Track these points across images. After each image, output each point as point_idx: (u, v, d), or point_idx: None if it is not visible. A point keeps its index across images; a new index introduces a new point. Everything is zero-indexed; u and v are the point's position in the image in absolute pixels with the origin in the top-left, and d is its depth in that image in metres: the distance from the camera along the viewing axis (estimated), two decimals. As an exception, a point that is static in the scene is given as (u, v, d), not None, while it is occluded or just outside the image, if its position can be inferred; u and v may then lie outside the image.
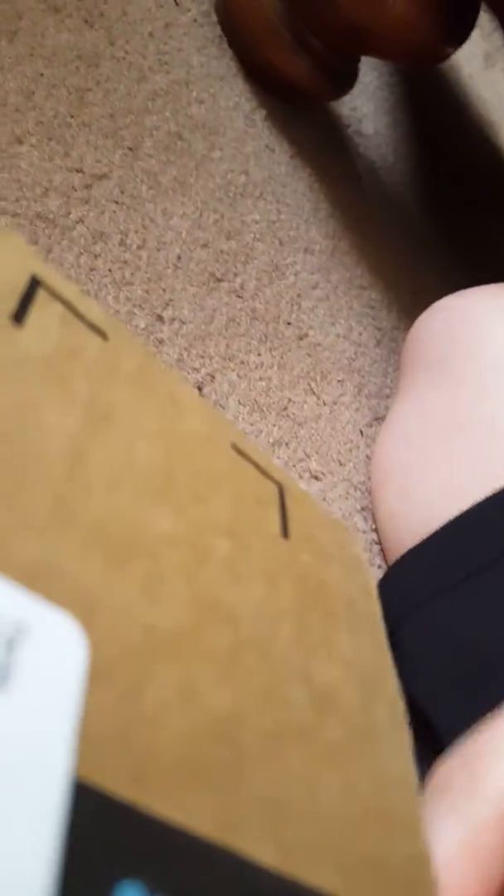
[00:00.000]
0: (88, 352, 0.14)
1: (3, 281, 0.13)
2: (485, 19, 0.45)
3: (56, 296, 0.14)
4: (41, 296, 0.14)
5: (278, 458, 0.36)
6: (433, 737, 0.29)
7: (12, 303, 0.13)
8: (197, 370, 0.35)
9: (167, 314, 0.36)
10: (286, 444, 0.37)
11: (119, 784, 0.09)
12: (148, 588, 0.12)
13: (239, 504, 0.16)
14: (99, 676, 0.10)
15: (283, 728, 0.12)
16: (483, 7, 0.41)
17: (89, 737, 0.09)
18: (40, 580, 0.10)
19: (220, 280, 0.39)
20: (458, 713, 0.28)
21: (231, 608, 0.13)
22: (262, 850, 0.10)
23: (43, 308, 0.14)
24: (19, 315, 0.13)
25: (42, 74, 0.38)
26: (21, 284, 0.14)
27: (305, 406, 0.39)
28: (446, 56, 0.43)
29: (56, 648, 0.09)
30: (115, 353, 0.15)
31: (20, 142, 0.35)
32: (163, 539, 0.13)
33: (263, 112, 0.47)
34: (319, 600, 0.16)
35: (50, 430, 0.12)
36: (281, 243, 0.44)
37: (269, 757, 0.12)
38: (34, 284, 0.14)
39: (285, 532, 0.16)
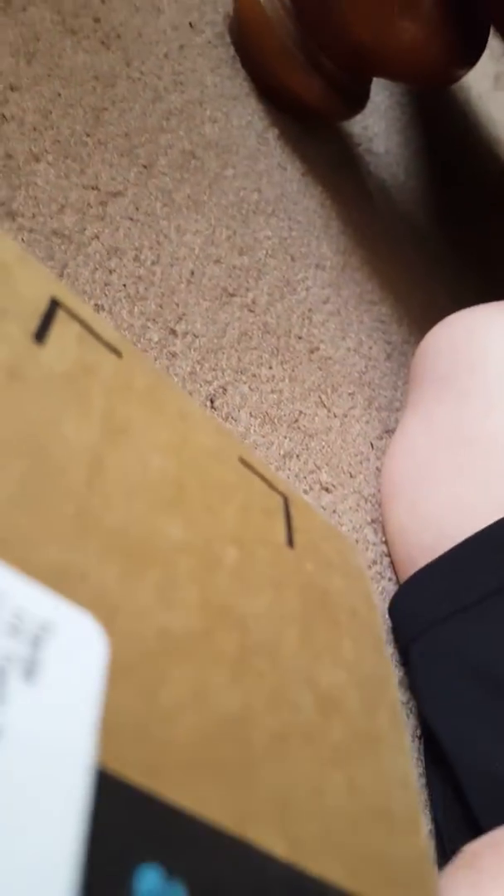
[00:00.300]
0: (104, 369, 0.15)
1: (25, 303, 0.14)
2: (494, 42, 0.46)
3: (74, 316, 0.15)
4: (60, 316, 0.15)
5: (289, 469, 0.37)
6: (438, 751, 0.30)
7: (34, 323, 0.14)
8: (209, 383, 0.36)
9: (180, 328, 0.37)
10: (297, 455, 0.38)
11: (138, 774, 0.10)
12: (163, 593, 0.12)
13: (246, 514, 0.16)
14: (119, 674, 0.10)
15: (290, 729, 0.13)
16: (493, 31, 0.42)
17: (110, 729, 0.10)
18: (64, 583, 0.11)
19: (232, 295, 0.40)
20: (465, 732, 0.29)
21: (240, 614, 0.14)
22: (273, 842, 0.11)
23: (62, 328, 0.14)
24: (41, 334, 0.14)
25: (59, 94, 0.39)
26: (42, 306, 0.14)
27: (316, 418, 0.40)
28: (457, 79, 0.43)
29: (79, 646, 0.10)
30: (129, 370, 0.16)
31: (37, 160, 0.36)
32: (176, 547, 0.13)
33: (276, 131, 0.48)
34: (323, 608, 0.16)
35: (70, 443, 0.13)
36: (293, 259, 0.45)
37: (278, 756, 0.12)
38: (54, 305, 0.15)
39: (290, 542, 0.17)
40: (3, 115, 0.35)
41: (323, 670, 0.15)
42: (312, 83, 0.44)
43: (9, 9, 0.39)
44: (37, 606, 0.10)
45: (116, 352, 0.16)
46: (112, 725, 0.10)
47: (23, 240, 0.33)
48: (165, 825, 0.09)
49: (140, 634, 0.11)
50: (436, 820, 0.29)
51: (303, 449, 0.38)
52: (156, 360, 0.35)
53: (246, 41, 0.46)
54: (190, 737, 0.11)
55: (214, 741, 0.11)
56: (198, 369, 0.36)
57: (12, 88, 0.37)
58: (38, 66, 0.38)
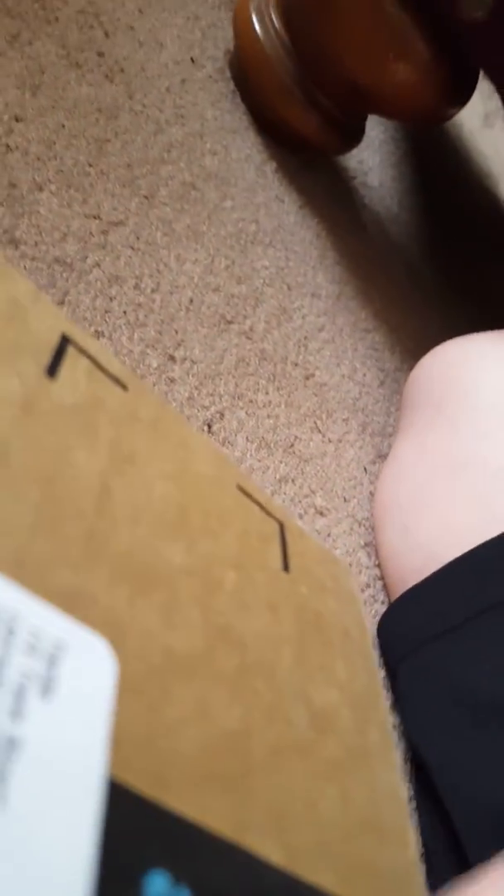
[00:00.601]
0: (112, 401, 0.16)
1: (38, 339, 0.15)
2: (484, 83, 0.47)
3: (83, 351, 0.16)
4: (70, 352, 0.16)
5: (284, 493, 0.38)
6: (423, 771, 0.30)
7: (46, 358, 0.15)
8: (207, 408, 0.37)
9: (179, 354, 0.37)
10: (292, 480, 0.38)
11: (146, 785, 0.10)
12: (167, 614, 0.13)
13: (245, 539, 0.17)
14: (127, 691, 0.11)
15: (286, 744, 0.14)
16: (482, 73, 0.43)
17: (120, 743, 0.10)
18: (76, 605, 0.11)
19: (230, 322, 0.41)
20: (449, 753, 0.29)
21: (239, 634, 0.14)
22: (271, 850, 0.12)
23: (72, 362, 0.15)
24: (52, 369, 0.15)
25: (63, 125, 0.40)
26: (53, 341, 0.15)
27: (311, 443, 0.41)
28: (448, 117, 0.45)
29: (91, 665, 0.11)
30: (135, 402, 0.17)
31: (41, 189, 0.37)
32: (179, 570, 0.14)
33: (274, 164, 0.50)
34: (317, 629, 0.17)
35: (80, 471, 0.14)
36: (289, 288, 0.46)
37: (275, 769, 0.13)
38: (64, 341, 0.16)
39: (286, 566, 0.18)
40: (8, 146, 0.36)
41: (316, 689, 0.16)
42: (310, 119, 0.45)
43: (15, 42, 0.40)
44: (52, 627, 0.11)
45: (123, 385, 0.16)
46: (122, 739, 0.11)
47: (25, 267, 0.34)
48: (172, 833, 0.10)
49: (147, 654, 0.12)
50: (425, 843, 0.29)
51: (298, 473, 0.39)
52: (154, 385, 0.36)
53: (246, 77, 0.47)
54: (193, 750, 0.12)
55: (216, 755, 0.12)
56: (196, 394, 0.37)
57: (17, 119, 0.38)
58: (43, 97, 0.39)
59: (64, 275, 0.35)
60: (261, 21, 0.45)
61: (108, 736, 0.10)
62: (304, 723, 0.15)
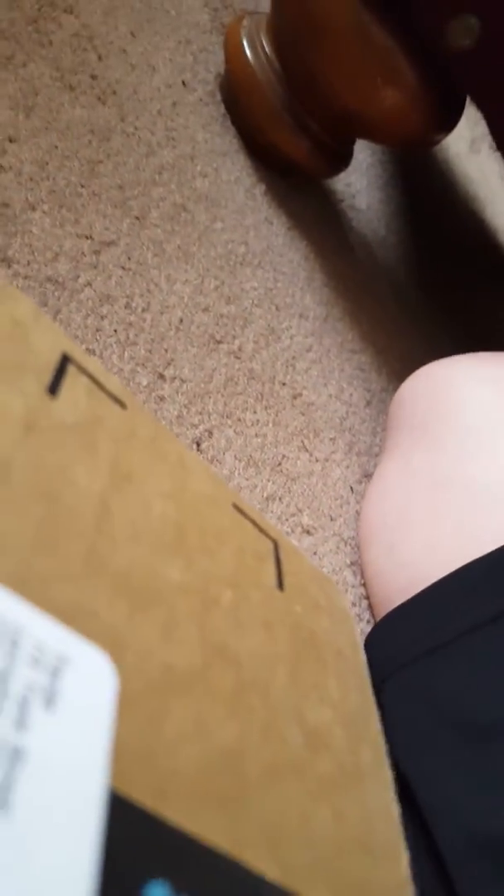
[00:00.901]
0: (111, 420, 0.16)
1: (40, 358, 0.15)
2: (471, 109, 0.48)
3: (83, 370, 0.16)
4: (71, 371, 0.16)
5: (272, 512, 0.38)
6: (408, 789, 0.30)
7: (48, 377, 0.15)
8: (196, 426, 0.37)
9: (168, 373, 0.38)
10: (279, 498, 0.39)
11: (146, 797, 0.10)
12: (165, 631, 0.13)
13: (240, 558, 0.17)
14: (127, 706, 0.11)
15: (280, 762, 0.14)
16: (469, 99, 0.44)
17: (120, 756, 0.10)
18: (78, 620, 0.11)
19: (219, 342, 0.41)
20: (433, 773, 0.29)
21: (235, 652, 0.15)
22: (266, 866, 0.12)
23: (73, 381, 0.16)
24: (54, 387, 0.15)
25: (56, 147, 0.40)
26: (54, 360, 0.15)
27: (298, 462, 0.41)
28: (435, 143, 0.46)
29: (93, 678, 0.11)
30: (133, 420, 0.17)
31: (33, 209, 0.37)
32: (177, 588, 0.14)
33: (263, 186, 0.50)
34: (311, 648, 0.17)
35: (80, 489, 0.14)
36: (277, 309, 0.46)
37: (270, 786, 0.13)
38: (65, 361, 0.16)
39: (280, 584, 0.18)
40: (2, 166, 0.37)
41: (310, 707, 0.16)
42: (299, 143, 0.46)
43: (9, 64, 0.40)
44: (55, 641, 0.11)
45: (122, 403, 0.17)
46: (122, 752, 0.11)
47: (18, 286, 0.34)
48: (172, 845, 0.10)
49: (146, 669, 0.12)
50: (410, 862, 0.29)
51: (285, 492, 0.39)
52: (144, 403, 0.36)
53: (236, 101, 0.48)
54: (191, 766, 0.12)
55: (213, 771, 0.12)
56: (185, 413, 0.37)
57: (11, 140, 0.38)
58: (37, 119, 0.40)
59: (56, 294, 0.35)
60: (251, 46, 0.46)
61: (109, 748, 0.10)
62: (298, 741, 0.15)
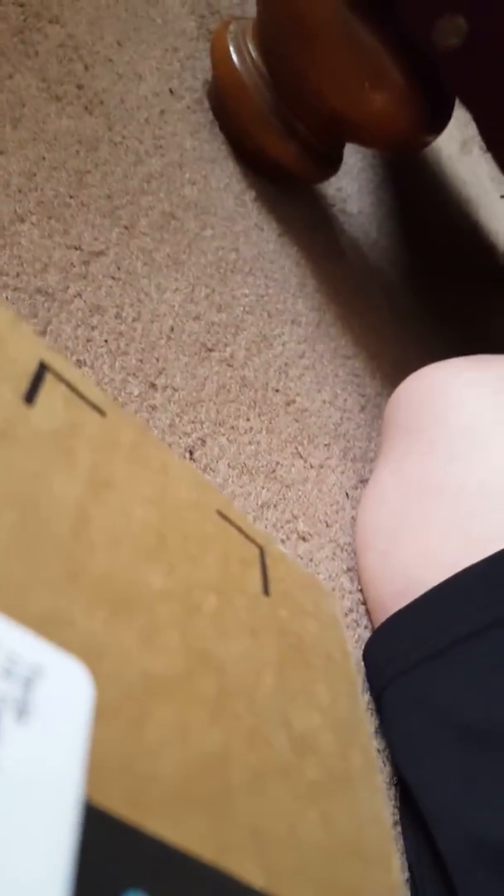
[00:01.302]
0: (89, 427, 0.16)
1: (16, 366, 0.15)
2: (461, 110, 0.48)
3: (61, 378, 0.16)
4: (48, 378, 0.16)
5: (267, 519, 0.38)
6: (409, 794, 0.30)
7: (24, 385, 0.15)
8: (188, 435, 0.37)
9: (160, 382, 0.38)
10: (274, 505, 0.38)
11: (123, 807, 0.10)
12: (146, 638, 0.13)
13: (224, 564, 0.17)
14: (104, 714, 0.11)
15: (267, 767, 0.14)
16: (458, 101, 0.44)
17: (97, 766, 0.10)
18: (53, 629, 0.11)
19: (210, 350, 0.41)
20: (434, 779, 0.29)
21: (219, 658, 0.14)
22: (251, 873, 0.12)
23: (50, 389, 0.15)
24: (30, 396, 0.15)
25: (44, 157, 0.40)
26: (31, 368, 0.15)
27: (293, 469, 0.41)
28: (425, 145, 0.46)
29: (67, 688, 0.11)
30: (113, 428, 0.17)
31: (22, 220, 0.37)
32: (158, 594, 0.14)
33: (253, 193, 0.50)
34: (298, 653, 0.17)
35: (57, 496, 0.14)
36: (269, 315, 0.46)
37: (255, 792, 0.13)
38: (42, 368, 0.16)
39: (266, 590, 0.18)
40: (-9, 177, 0.37)
41: (298, 712, 0.16)
42: (288, 148, 0.46)
43: (-4, 77, 0.40)
44: (28, 651, 0.11)
45: (101, 411, 0.17)
46: (99, 762, 0.11)
47: (7, 298, 0.34)
48: (150, 855, 0.10)
49: (125, 677, 0.12)
50: (410, 865, 0.29)
51: (280, 499, 0.39)
52: (136, 412, 0.36)
53: (224, 107, 0.48)
54: (172, 773, 0.12)
55: (195, 777, 0.12)
56: (177, 422, 0.37)
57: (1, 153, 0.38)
58: (24, 130, 0.40)
59: (45, 305, 0.35)
60: (238, 51, 0.46)
61: (84, 759, 0.10)
62: (286, 746, 0.15)
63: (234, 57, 0.46)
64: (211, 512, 0.18)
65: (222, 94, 0.47)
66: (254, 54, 0.45)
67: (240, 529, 0.19)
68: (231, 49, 0.46)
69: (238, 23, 0.48)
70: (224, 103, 0.48)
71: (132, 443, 0.17)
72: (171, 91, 0.49)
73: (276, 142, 0.46)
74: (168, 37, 0.51)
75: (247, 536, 0.19)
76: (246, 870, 0.12)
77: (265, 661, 0.16)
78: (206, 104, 0.51)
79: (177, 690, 0.13)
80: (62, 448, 0.15)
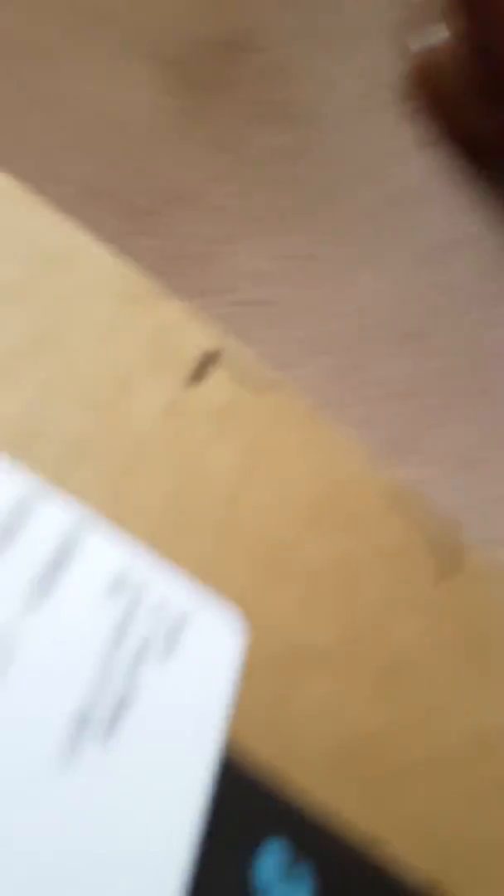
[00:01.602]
0: (255, 405, 0.16)
1: (184, 351, 0.16)
2: None
3: (229, 359, 0.16)
4: (217, 360, 0.16)
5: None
6: None
7: (192, 366, 0.15)
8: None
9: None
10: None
11: (270, 763, 0.10)
12: (305, 605, 0.13)
13: (395, 544, 0.16)
14: (256, 674, 0.11)
15: (437, 757, 0.13)
16: None
17: (244, 724, 0.10)
18: (212, 576, 0.12)
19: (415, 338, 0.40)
20: None
21: (385, 635, 0.14)
22: (410, 856, 0.11)
23: (217, 372, 0.16)
24: (197, 377, 0.15)
25: (253, 176, 0.42)
26: (199, 354, 0.16)
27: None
28: None
29: (220, 634, 0.11)
30: (279, 406, 0.17)
31: (235, 240, 0.39)
32: (319, 564, 0.14)
33: (464, 177, 0.48)
34: (483, 647, 0.16)
35: (218, 465, 0.14)
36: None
37: (420, 779, 0.12)
38: (211, 354, 0.16)
39: (448, 576, 0.17)
40: (210, 203, 0.39)
41: (479, 707, 0.15)
42: (496, 127, 0.44)
43: (202, 109, 0.43)
44: (183, 592, 0.11)
45: (268, 391, 0.17)
46: (246, 721, 0.11)
47: (231, 313, 0.36)
48: (297, 812, 0.10)
49: (282, 640, 0.12)
50: None
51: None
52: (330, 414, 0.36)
53: (425, 93, 0.47)
54: (323, 745, 0.11)
55: (347, 755, 0.12)
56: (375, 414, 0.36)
57: (213, 180, 0.40)
58: (230, 153, 0.42)
59: (262, 312, 0.36)
60: (435, 33, 0.45)
61: (228, 708, 0.10)
62: (462, 740, 0.14)
63: (432, 40, 0.44)
64: (380, 492, 0.17)
65: (420, 81, 0.47)
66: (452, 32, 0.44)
67: (417, 514, 0.18)
68: (427, 32, 0.45)
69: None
70: (424, 90, 0.47)
71: (299, 418, 0.17)
72: (370, 89, 0.49)
73: (483, 121, 0.44)
74: (362, 39, 0.51)
75: (424, 521, 0.18)
76: (404, 852, 0.11)
77: (443, 646, 0.15)
78: (406, 96, 0.50)
79: (334, 663, 0.13)
80: (226, 423, 0.15)
